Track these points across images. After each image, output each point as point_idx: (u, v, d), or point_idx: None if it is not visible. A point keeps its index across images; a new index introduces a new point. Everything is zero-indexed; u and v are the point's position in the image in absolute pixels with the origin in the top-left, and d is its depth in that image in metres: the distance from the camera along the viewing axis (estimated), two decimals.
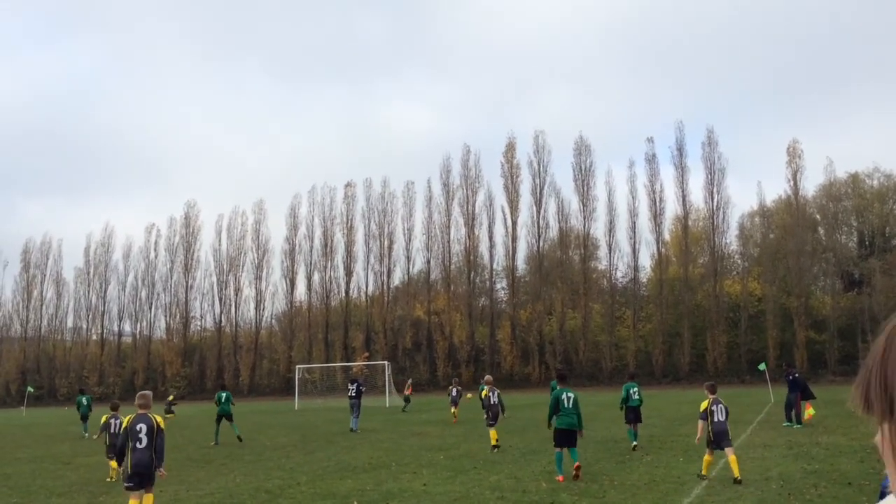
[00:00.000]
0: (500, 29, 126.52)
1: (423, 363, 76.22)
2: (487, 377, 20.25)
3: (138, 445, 9.67)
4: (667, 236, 75.00)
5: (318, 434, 24.58)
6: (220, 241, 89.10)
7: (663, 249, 73.83)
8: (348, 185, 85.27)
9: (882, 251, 66.62)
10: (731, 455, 11.63)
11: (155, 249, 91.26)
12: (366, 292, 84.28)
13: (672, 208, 74.70)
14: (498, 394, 19.19)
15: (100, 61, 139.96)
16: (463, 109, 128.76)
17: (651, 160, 73.29)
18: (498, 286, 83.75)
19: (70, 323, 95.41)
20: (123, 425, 10.00)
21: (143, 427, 9.69)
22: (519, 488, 11.47)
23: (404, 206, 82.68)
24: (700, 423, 12.27)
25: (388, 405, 43.95)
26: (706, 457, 12.13)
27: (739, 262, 76.34)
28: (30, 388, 66.75)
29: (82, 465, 17.25)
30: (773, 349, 63.03)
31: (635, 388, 17.79)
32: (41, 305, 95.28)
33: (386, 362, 52.45)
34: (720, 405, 12.22)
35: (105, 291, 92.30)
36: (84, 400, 29.28)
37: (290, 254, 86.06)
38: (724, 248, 73.74)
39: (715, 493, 10.45)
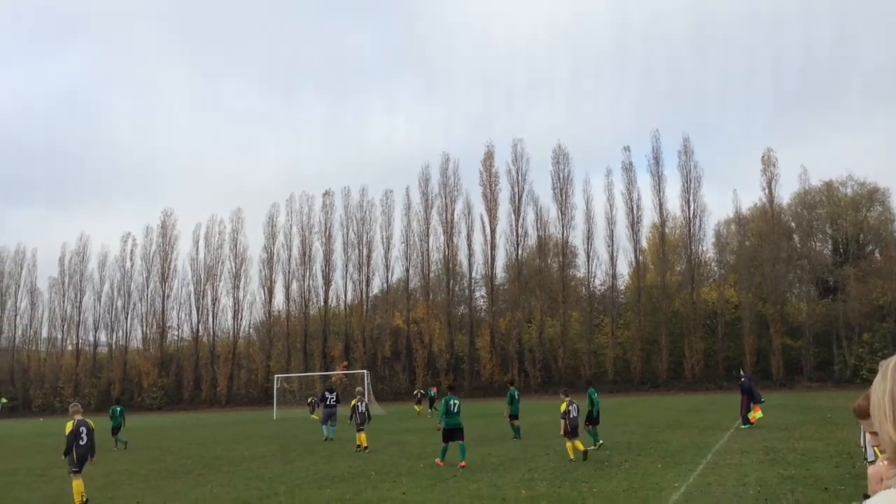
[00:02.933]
0: (480, 39, 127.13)
1: (403, 372, 76.02)
2: (358, 388, 21.92)
3: (81, 442, 12.65)
4: (644, 244, 75.58)
5: (297, 444, 24.44)
6: (197, 250, 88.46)
7: (641, 257, 74.34)
8: (326, 193, 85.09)
9: (856, 258, 67.51)
10: (576, 442, 15.95)
11: (131, 259, 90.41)
12: (345, 301, 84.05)
13: (649, 216, 75.30)
14: (366, 404, 23.26)
15: (84, 70, 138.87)
16: (442, 119, 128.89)
17: (628, 168, 73.91)
18: (477, 294, 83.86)
19: (45, 333, 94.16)
20: (69, 429, 12.75)
21: (84, 429, 12.80)
22: (498, 496, 11.47)
23: (383, 215, 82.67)
24: (562, 421, 16.43)
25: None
26: (568, 444, 16.06)
27: (716, 269, 76.99)
28: (3, 400, 65.78)
29: (57, 477, 17.00)
30: (750, 355, 63.58)
31: (595, 394, 19.98)
32: (15, 316, 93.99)
33: (365, 371, 52.26)
34: (574, 405, 16.80)
35: (80, 301, 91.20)
36: (118, 410, 28.44)
37: (269, 263, 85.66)
38: (700, 256, 74.39)
39: (693, 500, 10.51)
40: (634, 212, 73.28)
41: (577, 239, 76.96)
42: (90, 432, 12.82)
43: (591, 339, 71.21)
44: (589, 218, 75.03)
